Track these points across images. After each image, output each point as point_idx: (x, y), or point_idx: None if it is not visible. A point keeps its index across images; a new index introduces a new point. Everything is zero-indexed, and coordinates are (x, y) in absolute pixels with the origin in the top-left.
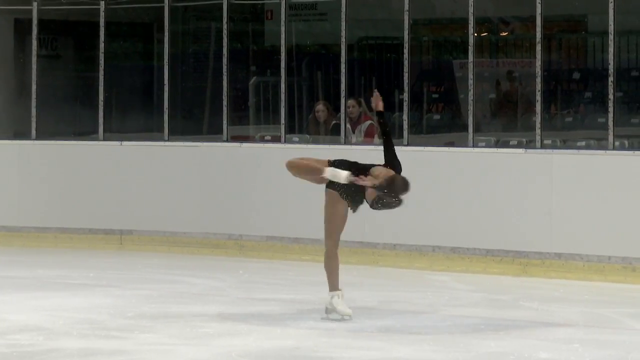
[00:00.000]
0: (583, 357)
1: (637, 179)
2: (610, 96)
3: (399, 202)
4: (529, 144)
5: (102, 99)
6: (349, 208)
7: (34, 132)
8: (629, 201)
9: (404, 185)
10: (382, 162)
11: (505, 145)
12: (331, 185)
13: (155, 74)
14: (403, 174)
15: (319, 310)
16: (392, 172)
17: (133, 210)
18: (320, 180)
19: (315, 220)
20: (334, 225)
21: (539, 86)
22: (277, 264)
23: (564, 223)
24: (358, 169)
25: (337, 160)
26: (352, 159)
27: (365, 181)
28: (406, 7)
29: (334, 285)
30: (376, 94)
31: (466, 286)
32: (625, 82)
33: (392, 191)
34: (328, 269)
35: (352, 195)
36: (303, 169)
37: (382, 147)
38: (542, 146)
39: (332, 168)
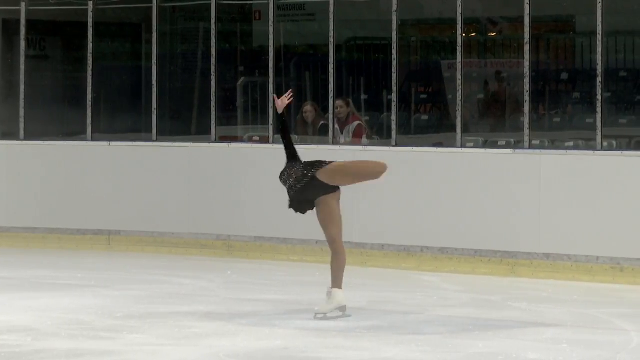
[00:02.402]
0: (571, 357)
1: (625, 180)
2: (599, 97)
3: None
4: (517, 145)
5: (91, 99)
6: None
7: (22, 132)
8: (617, 202)
9: None
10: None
11: (494, 145)
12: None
13: (144, 75)
14: (393, 174)
15: (307, 311)
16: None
17: (121, 210)
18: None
19: (304, 221)
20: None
21: (527, 87)
22: (266, 264)
23: (552, 223)
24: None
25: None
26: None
27: None
28: (394, 7)
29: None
30: (288, 94)
31: (454, 286)
32: (614, 83)
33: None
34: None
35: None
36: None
37: (370, 148)
38: (531, 147)
39: None
